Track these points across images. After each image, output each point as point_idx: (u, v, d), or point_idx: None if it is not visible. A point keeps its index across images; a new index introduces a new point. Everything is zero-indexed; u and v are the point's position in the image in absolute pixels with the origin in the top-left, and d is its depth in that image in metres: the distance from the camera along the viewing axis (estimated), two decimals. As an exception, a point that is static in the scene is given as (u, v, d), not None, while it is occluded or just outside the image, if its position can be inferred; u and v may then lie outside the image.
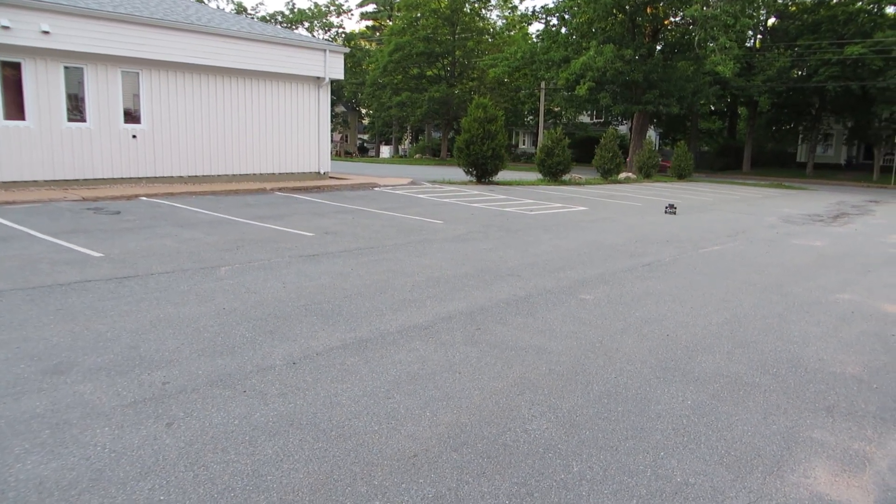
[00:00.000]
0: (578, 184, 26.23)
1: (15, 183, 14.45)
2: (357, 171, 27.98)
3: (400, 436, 3.77)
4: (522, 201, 17.69)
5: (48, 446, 3.45)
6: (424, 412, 4.09)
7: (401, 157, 61.76)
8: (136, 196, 14.32)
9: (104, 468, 3.27)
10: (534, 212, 15.45)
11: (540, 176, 26.87)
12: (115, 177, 16.05)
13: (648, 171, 32.84)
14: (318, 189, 18.06)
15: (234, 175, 18.46)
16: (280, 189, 17.26)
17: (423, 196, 17.83)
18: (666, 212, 15.77)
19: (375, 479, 3.29)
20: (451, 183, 22.73)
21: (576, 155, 29.61)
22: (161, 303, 6.18)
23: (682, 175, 34.39)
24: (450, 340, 5.50)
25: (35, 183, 14.73)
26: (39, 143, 14.78)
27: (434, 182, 22.81)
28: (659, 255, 10.17)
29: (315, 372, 4.66)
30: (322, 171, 20.71)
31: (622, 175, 31.45)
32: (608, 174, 29.65)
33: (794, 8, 44.20)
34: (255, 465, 3.38)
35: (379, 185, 20.09)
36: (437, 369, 4.83)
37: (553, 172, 26.01)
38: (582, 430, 3.97)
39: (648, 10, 36.21)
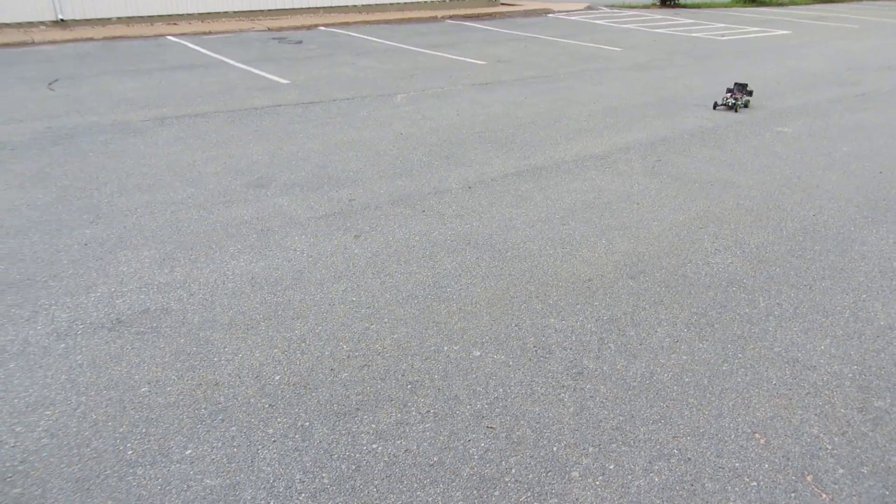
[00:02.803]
0: (780, 4, 22.83)
1: (209, 14, 15.31)
2: (529, -3, 26.32)
3: (575, 260, 3.76)
4: (712, 25, 15.82)
5: (256, 248, 3.86)
6: (600, 240, 4.02)
7: (575, -20, 56.92)
8: (315, 26, 14.64)
9: (303, 269, 3.61)
10: (725, 37, 13.80)
11: (736, -4, 23.64)
12: (294, 7, 16.44)
13: (873, -13, 27.63)
14: (490, 16, 17.33)
15: (405, 3, 18.16)
16: (451, 17, 16.79)
17: (601, 22, 16.51)
18: (717, 107, 7.32)
19: (550, 299, 3.34)
20: (631, 7, 20.76)
21: (782, -31, 25.44)
22: (343, 127, 6.44)
23: (917, -9, 28.59)
24: (627, 171, 5.25)
25: (225, 14, 15.51)
26: (226, -26, 15.32)
27: (612, 6, 20.96)
28: (876, 83, 8.76)
29: (490, 196, 4.70)
30: (493, -3, 19.72)
31: (838, -8, 26.78)
32: (821, -8, 25.36)
33: None
34: (436, 277, 3.55)
35: (553, 11, 18.84)
36: (613, 199, 4.67)
37: (752, -9, 22.73)
38: (771, 266, 3.71)
39: None
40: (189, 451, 2.29)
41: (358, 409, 2.53)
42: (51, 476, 2.17)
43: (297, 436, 2.38)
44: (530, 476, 2.24)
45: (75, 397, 2.55)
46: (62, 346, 2.89)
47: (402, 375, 2.73)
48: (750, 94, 7.39)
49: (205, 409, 2.50)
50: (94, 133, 6.16)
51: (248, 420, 2.45)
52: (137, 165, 5.30)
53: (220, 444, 2.32)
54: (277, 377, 2.70)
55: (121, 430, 2.38)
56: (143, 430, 2.38)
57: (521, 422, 2.48)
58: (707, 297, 3.38)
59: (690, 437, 2.41)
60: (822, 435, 2.43)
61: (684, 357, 2.88)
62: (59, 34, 12.34)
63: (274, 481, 2.17)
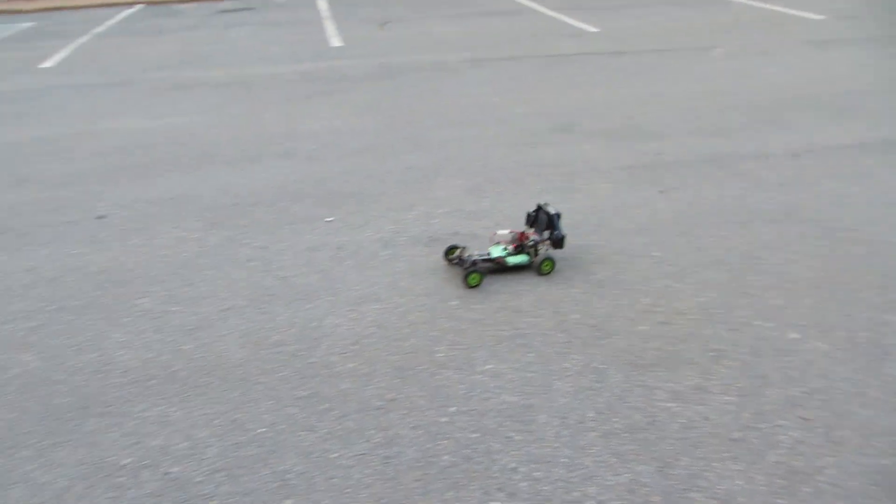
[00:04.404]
0: None
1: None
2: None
3: (929, 253, 3.15)
4: None
5: (559, 190, 3.89)
6: (967, 233, 3.31)
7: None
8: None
9: (605, 217, 3.55)
10: None
11: None
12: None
13: None
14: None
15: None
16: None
17: None
18: (452, 261, 3.08)
19: (892, 293, 2.85)
20: None
21: None
22: (654, 79, 6.16)
23: None
24: None
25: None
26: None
27: None
28: None
29: (820, 167, 4.14)
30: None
31: None
32: None
33: None
34: (749, 246, 3.25)
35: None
36: None
37: None
38: None
39: None
40: (490, 366, 2.42)
41: (654, 364, 2.44)
42: (377, 360, 2.46)
43: (591, 375, 2.37)
44: (851, 483, 1.96)
45: (397, 297, 2.85)
46: (387, 252, 3.25)
47: (705, 342, 2.56)
48: (559, 242, 3.04)
49: (505, 331, 2.62)
50: (416, 70, 6.72)
51: (545, 350, 2.50)
52: (452, 103, 5.66)
53: (518, 367, 2.41)
54: (575, 316, 2.71)
55: (433, 333, 2.61)
56: (452, 339, 2.57)
57: (844, 422, 2.17)
58: None
59: None
60: None
61: None
62: (392, -20, 13.62)
63: (567, 413, 2.20)
